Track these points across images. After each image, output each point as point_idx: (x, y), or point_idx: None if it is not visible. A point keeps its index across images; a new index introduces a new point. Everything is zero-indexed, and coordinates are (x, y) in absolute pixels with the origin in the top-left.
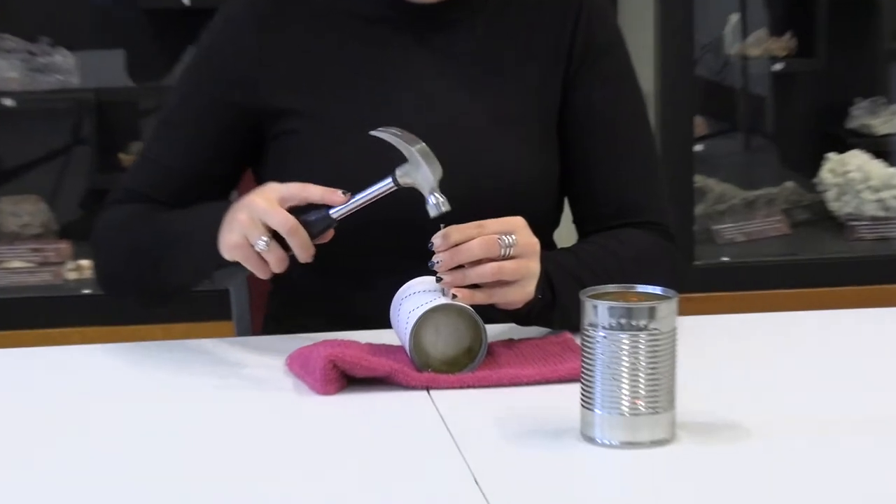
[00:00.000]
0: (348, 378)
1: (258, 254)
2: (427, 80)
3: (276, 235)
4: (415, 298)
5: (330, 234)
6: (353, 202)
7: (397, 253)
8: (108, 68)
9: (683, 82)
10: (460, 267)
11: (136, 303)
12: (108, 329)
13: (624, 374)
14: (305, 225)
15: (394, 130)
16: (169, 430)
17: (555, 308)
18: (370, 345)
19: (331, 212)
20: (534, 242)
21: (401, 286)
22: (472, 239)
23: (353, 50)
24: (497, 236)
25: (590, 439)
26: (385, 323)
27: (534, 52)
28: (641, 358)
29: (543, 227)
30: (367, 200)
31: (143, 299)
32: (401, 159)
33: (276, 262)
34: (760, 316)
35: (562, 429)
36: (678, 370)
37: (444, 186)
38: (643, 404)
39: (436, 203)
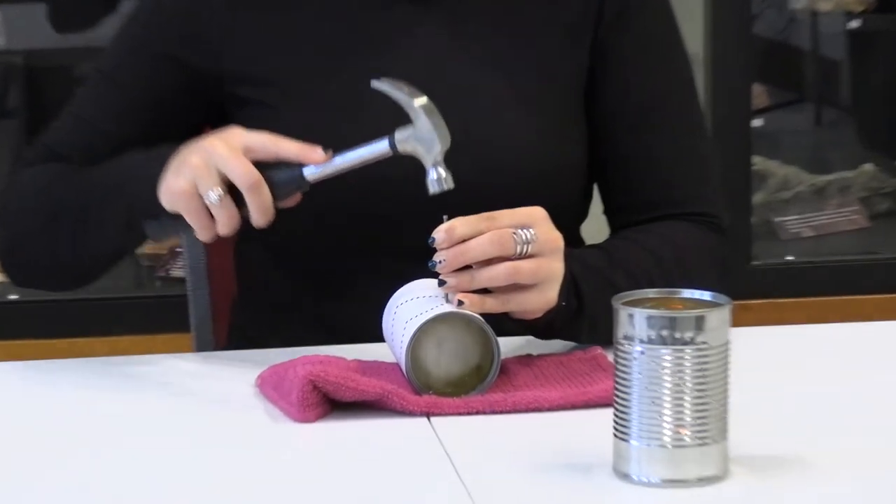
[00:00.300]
0: (332, 402)
1: (206, 207)
2: (429, 46)
3: (231, 190)
4: (412, 306)
5: (296, 198)
6: (333, 164)
7: (391, 250)
8: (39, 26)
9: (739, 43)
10: (467, 268)
11: (45, 284)
12: (40, 343)
13: (666, 398)
14: (270, 183)
15: (399, 83)
16: (114, 464)
17: (582, 317)
18: (358, 361)
19: (304, 171)
20: (556, 238)
21: (395, 290)
22: (482, 234)
23: (341, 9)
24: (512, 230)
25: (625, 476)
26: (376, 335)
27: (557, 11)
28: (687, 378)
29: (568, 220)
30: (352, 165)
31: (54, 277)
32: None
33: (226, 221)
34: (832, 327)
35: (591, 464)
36: (731, 393)
37: (450, 171)
38: (689, 434)
39: (437, 178)
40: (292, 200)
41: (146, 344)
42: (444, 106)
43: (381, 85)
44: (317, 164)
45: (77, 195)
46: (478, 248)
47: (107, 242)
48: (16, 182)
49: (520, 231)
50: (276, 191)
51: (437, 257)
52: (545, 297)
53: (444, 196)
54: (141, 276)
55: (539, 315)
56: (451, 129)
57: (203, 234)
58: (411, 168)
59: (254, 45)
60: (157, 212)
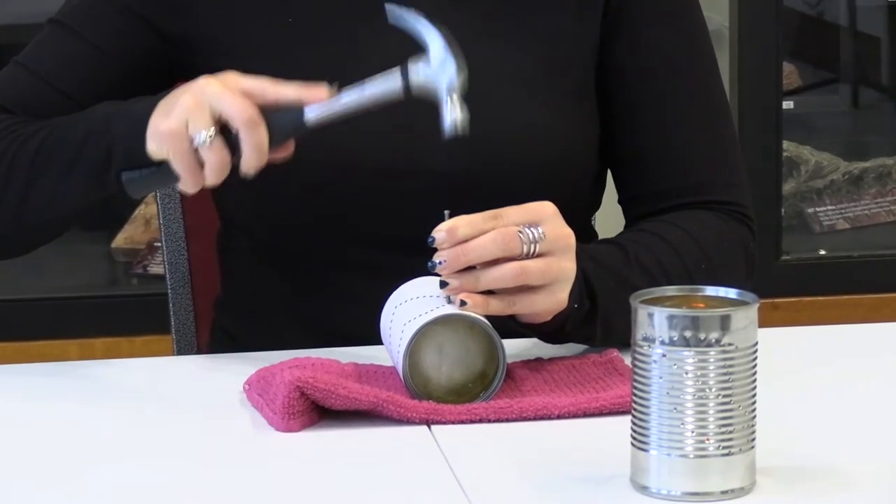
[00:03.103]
0: (322, 410)
1: (195, 151)
2: None
3: (223, 136)
4: (412, 306)
5: (290, 147)
6: (336, 105)
7: (389, 244)
8: (8, 1)
9: (769, 17)
10: (471, 268)
11: None
12: (6, 346)
13: (688, 404)
14: (267, 123)
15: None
16: (87, 476)
17: (595, 319)
18: (353, 365)
19: (306, 111)
20: (567, 234)
21: (395, 288)
22: (486, 232)
23: None
24: (518, 228)
25: (643, 489)
26: (373, 337)
27: None
28: (711, 382)
29: (579, 212)
30: (358, 105)
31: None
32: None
33: (216, 165)
34: (868, 327)
35: (606, 476)
36: (759, 399)
37: (451, 162)
38: (713, 443)
39: (453, 114)
40: (286, 150)
41: (122, 346)
42: None
43: (395, 11)
44: (319, 102)
45: (42, 140)
46: (480, 248)
47: (69, 195)
48: None
49: (526, 230)
50: (274, 132)
51: (437, 257)
52: (555, 299)
53: (444, 186)
54: (116, 272)
55: (549, 318)
56: None
57: (189, 183)
58: (410, 153)
59: (230, 10)
60: (140, 160)
